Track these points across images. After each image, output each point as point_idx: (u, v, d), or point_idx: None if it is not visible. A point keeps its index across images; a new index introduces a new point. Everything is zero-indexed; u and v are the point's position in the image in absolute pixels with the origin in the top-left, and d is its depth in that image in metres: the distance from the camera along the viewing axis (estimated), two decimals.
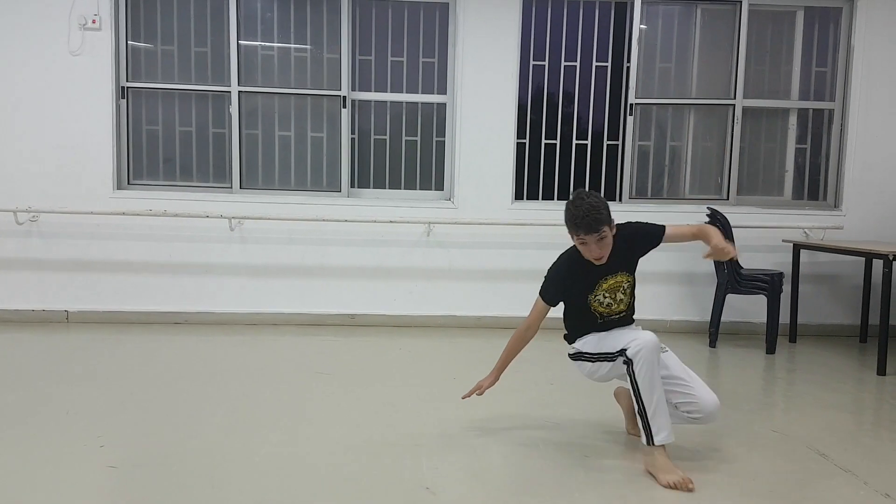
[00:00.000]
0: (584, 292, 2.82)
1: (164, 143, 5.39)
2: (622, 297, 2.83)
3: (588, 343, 2.85)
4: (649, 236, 2.85)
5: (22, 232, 5.15)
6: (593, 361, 2.82)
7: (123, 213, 5.11)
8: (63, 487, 2.45)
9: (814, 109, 5.58)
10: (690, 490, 2.49)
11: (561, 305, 2.94)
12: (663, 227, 2.86)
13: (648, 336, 2.61)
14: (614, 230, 2.72)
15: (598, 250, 2.66)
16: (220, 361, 4.27)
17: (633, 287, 2.88)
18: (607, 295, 2.81)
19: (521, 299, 5.55)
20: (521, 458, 2.81)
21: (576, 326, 2.93)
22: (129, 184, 5.33)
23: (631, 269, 2.86)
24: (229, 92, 5.31)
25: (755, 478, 2.65)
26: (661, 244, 2.86)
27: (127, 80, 5.27)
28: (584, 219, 2.61)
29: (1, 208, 5.05)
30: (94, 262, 5.22)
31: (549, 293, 2.89)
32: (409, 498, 2.42)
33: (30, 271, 5.19)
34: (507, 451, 2.87)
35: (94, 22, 5.08)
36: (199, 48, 5.33)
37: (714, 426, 3.24)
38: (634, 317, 2.94)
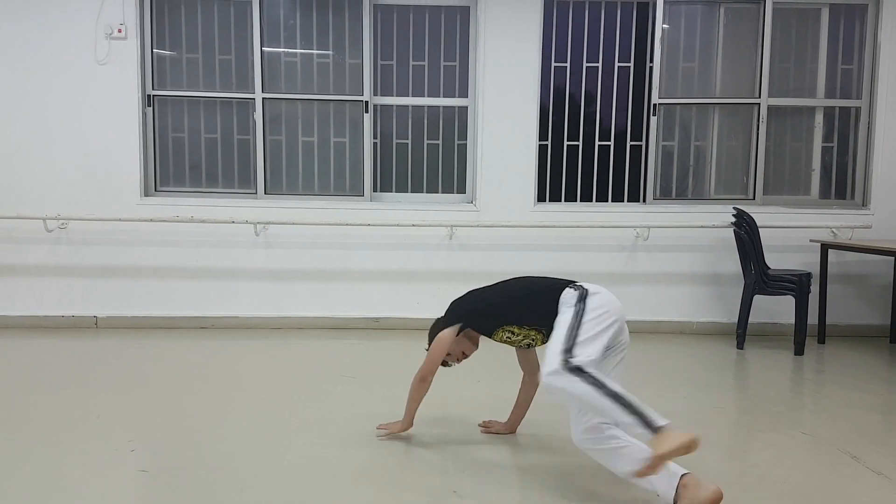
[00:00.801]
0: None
1: (189, 149, 5.45)
2: (519, 341, 2.85)
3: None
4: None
5: (51, 239, 5.23)
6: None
7: (151, 220, 5.18)
8: (94, 491, 2.48)
9: (840, 107, 5.51)
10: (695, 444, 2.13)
11: None
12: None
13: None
14: (455, 331, 2.89)
15: (456, 360, 2.98)
16: (246, 365, 4.31)
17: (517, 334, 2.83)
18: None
19: None
20: (549, 461, 2.80)
21: None
22: (155, 190, 5.40)
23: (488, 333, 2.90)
24: (253, 98, 5.36)
25: (785, 481, 2.62)
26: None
27: (153, 88, 5.34)
28: None
29: (30, 216, 5.13)
30: (121, 268, 5.29)
31: None
32: (436, 501, 2.42)
33: (59, 278, 5.28)
34: (535, 454, 2.87)
35: (119, 31, 5.15)
36: (223, 56, 5.39)
37: (743, 429, 3.21)
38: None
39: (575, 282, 2.66)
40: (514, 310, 2.77)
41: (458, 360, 2.99)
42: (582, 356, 2.32)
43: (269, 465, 2.70)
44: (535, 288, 2.77)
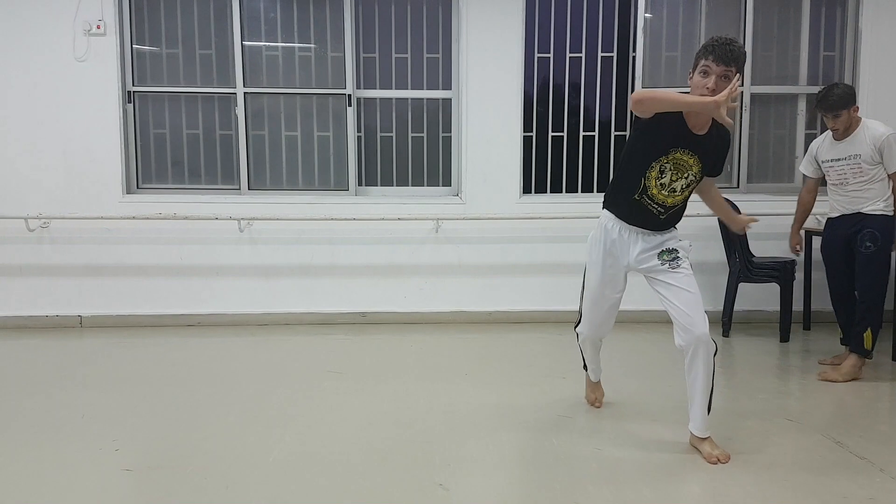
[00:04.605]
0: (658, 150, 2.67)
1: (171, 146, 5.41)
2: (677, 187, 2.72)
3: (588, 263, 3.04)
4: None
5: (33, 238, 5.18)
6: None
7: (133, 217, 5.14)
8: (79, 491, 2.47)
9: None
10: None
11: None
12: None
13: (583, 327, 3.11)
14: (737, 91, 2.47)
15: (714, 85, 2.49)
16: (232, 362, 4.29)
17: (692, 187, 2.79)
18: (668, 170, 2.69)
19: (532, 293, 5.56)
20: (533, 452, 2.81)
21: (616, 182, 2.89)
22: (138, 188, 5.35)
23: (703, 164, 2.71)
24: (235, 93, 5.32)
25: (770, 467, 2.64)
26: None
27: (133, 85, 5.29)
28: (721, 46, 2.50)
29: (12, 215, 5.08)
30: (105, 267, 5.25)
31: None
32: (422, 494, 2.42)
33: (42, 277, 5.23)
34: (520, 446, 2.87)
35: (98, 27, 5.09)
36: (203, 50, 5.34)
37: (728, 416, 3.22)
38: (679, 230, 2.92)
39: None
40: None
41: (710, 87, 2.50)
42: None
43: (255, 463, 2.69)
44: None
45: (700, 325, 2.65)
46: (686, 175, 2.71)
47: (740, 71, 2.55)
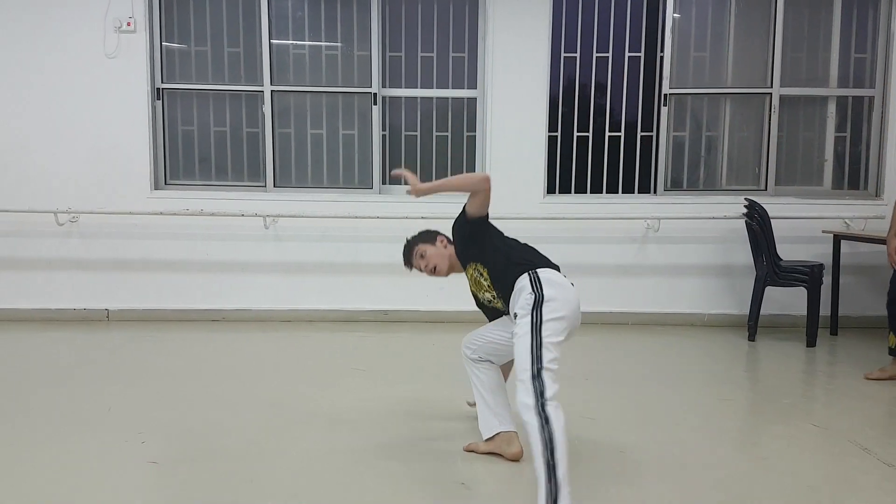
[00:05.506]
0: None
1: (199, 143, 5.46)
2: (485, 283, 2.75)
3: None
4: (457, 220, 2.88)
5: (62, 233, 5.26)
6: None
7: (161, 213, 5.19)
8: (105, 482, 2.50)
9: (853, 97, 5.44)
10: None
11: None
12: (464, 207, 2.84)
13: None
14: (443, 243, 2.92)
15: (428, 265, 2.86)
16: (256, 358, 4.32)
17: (489, 272, 2.71)
18: (476, 291, 2.86)
19: None
20: None
21: None
22: (165, 184, 5.41)
23: (468, 260, 2.80)
24: (262, 91, 5.36)
25: (795, 473, 2.61)
26: (469, 217, 2.82)
27: (162, 82, 5.35)
28: (403, 256, 3.00)
29: (42, 209, 5.16)
30: (132, 262, 5.31)
31: None
32: (444, 493, 2.42)
33: (71, 271, 5.30)
34: None
35: (128, 24, 5.16)
36: (231, 48, 5.38)
37: (753, 421, 3.19)
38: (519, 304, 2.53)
39: (535, 267, 2.60)
40: (497, 253, 2.75)
41: (428, 270, 2.89)
42: (549, 388, 2.25)
43: (278, 457, 2.71)
44: (517, 252, 2.78)
45: (517, 394, 2.29)
46: (474, 279, 2.81)
47: (428, 242, 2.94)
